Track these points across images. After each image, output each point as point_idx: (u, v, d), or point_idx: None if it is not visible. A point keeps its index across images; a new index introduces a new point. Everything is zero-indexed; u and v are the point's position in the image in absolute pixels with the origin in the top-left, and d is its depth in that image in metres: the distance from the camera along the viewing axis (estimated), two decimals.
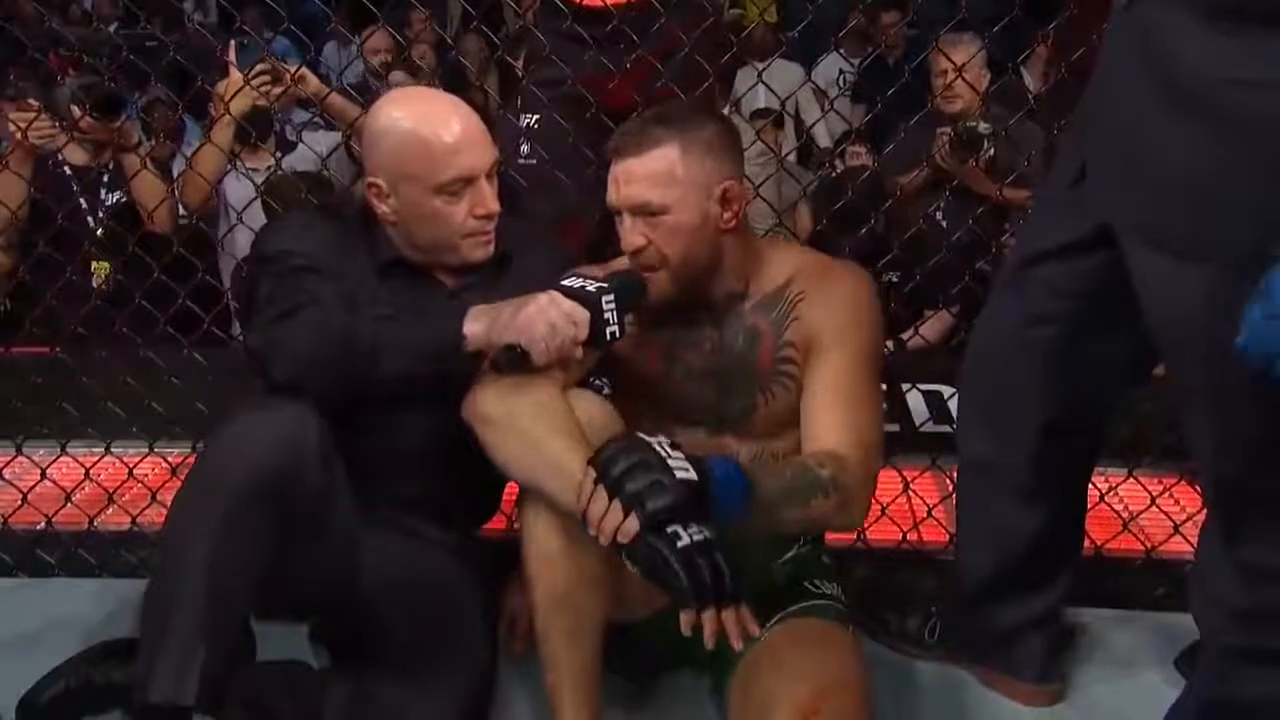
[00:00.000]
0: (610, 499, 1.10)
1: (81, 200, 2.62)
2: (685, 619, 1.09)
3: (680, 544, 1.09)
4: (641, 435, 1.15)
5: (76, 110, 2.37)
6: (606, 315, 1.27)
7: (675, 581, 1.09)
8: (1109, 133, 1.14)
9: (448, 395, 1.33)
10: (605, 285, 1.28)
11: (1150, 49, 1.04)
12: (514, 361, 1.25)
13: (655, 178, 1.32)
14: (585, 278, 1.30)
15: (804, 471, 1.26)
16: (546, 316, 1.25)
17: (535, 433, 1.23)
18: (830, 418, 1.32)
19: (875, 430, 1.34)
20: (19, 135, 2.26)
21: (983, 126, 2.70)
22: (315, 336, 1.31)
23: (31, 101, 2.33)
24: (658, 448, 1.13)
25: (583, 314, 1.26)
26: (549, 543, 1.25)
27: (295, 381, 1.31)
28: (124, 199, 2.66)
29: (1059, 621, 1.51)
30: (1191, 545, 1.74)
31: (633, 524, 1.09)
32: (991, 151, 2.72)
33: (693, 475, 1.12)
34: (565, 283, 1.29)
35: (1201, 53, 0.98)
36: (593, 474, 1.12)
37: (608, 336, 1.28)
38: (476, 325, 1.29)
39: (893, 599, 1.64)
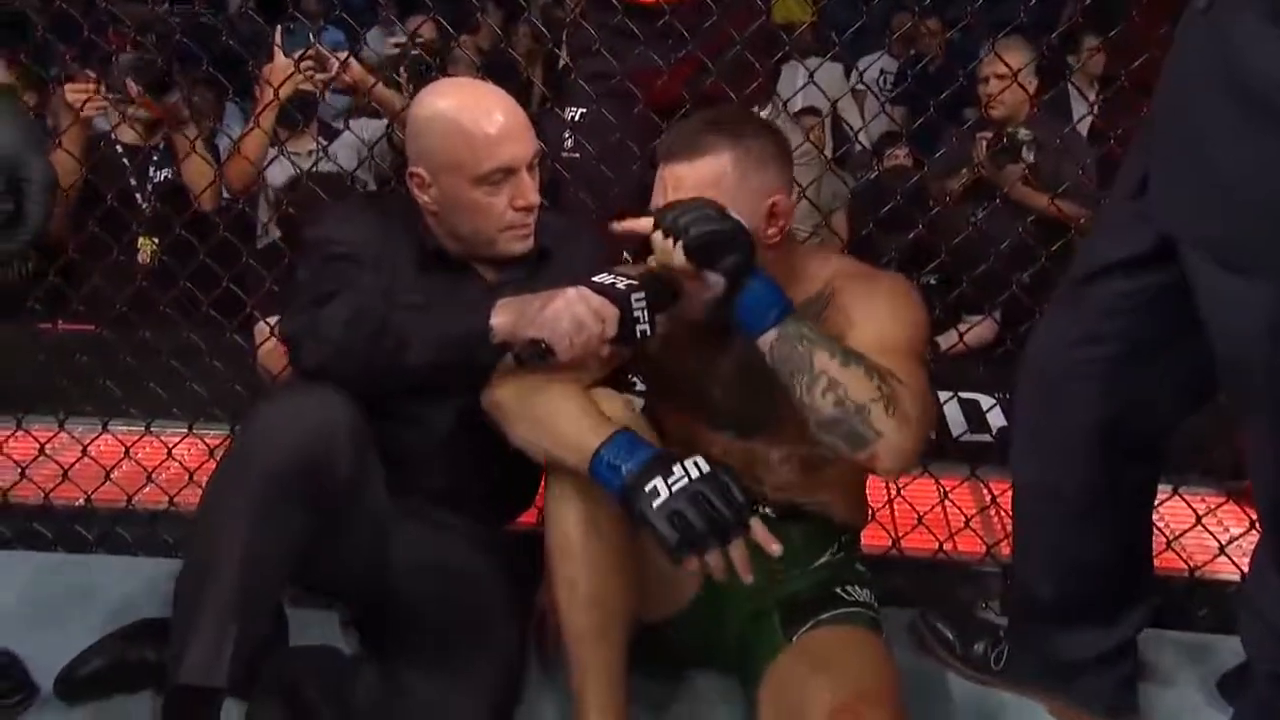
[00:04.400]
0: (666, 236, 1.21)
1: (130, 178, 2.65)
2: (689, 568, 1.12)
3: (657, 502, 1.11)
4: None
5: (131, 85, 2.39)
6: (636, 313, 1.25)
7: (662, 541, 1.11)
8: (1175, 141, 1.10)
9: (479, 387, 1.33)
10: (636, 283, 1.26)
11: (1224, 55, 1.00)
12: (538, 356, 1.24)
13: (705, 185, 1.29)
14: (618, 274, 1.28)
15: (851, 347, 1.22)
16: (573, 312, 1.23)
17: (546, 407, 1.24)
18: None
19: (927, 387, 1.25)
20: (75, 107, 2.29)
21: (1023, 134, 2.66)
22: (345, 323, 1.31)
23: (88, 73, 2.36)
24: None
25: (611, 310, 1.24)
26: (573, 540, 1.25)
27: (324, 367, 1.31)
28: (171, 177, 2.69)
29: (1133, 654, 1.46)
30: (1236, 567, 1.72)
31: (679, 254, 1.19)
32: (1031, 158, 2.67)
33: (741, 221, 1.22)
34: (596, 278, 1.27)
35: (1278, 61, 0.95)
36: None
37: (637, 334, 1.26)
38: (503, 317, 1.28)
39: (951, 619, 1.61)
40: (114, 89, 2.41)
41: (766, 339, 1.22)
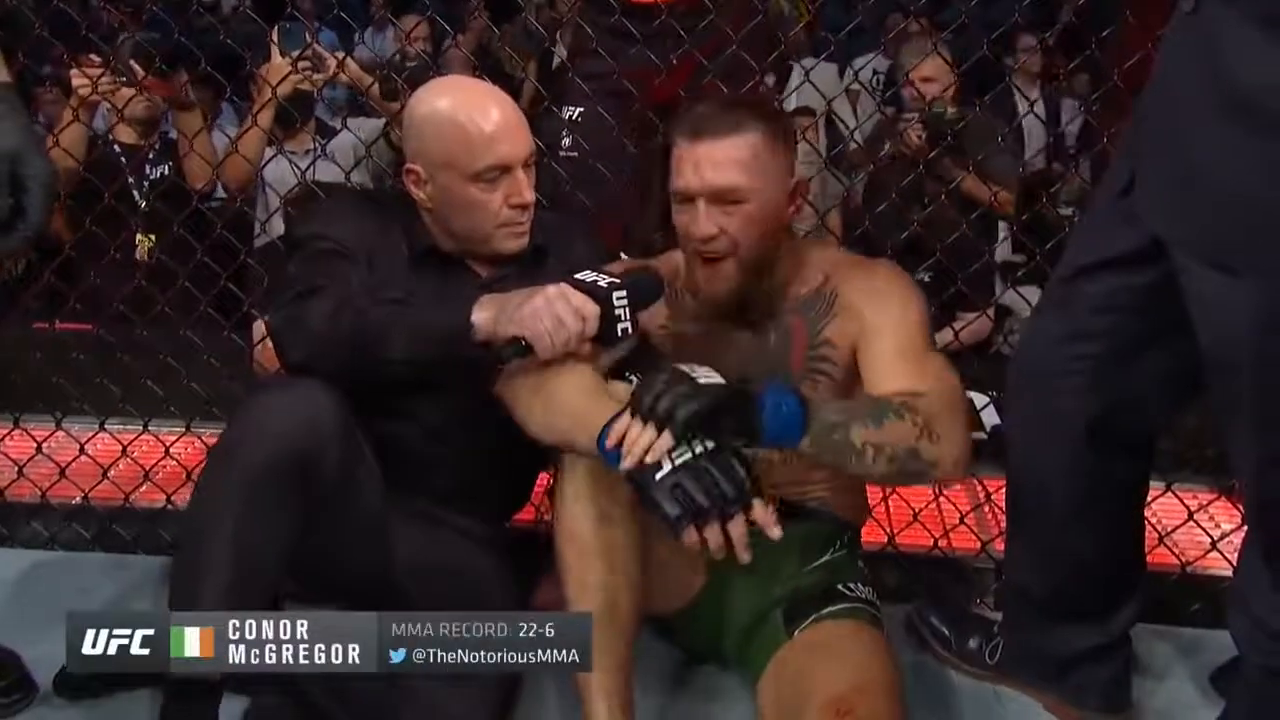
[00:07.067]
0: (646, 423, 1.13)
1: (129, 175, 2.65)
2: (688, 542, 1.11)
3: (660, 474, 1.11)
4: (677, 366, 1.18)
5: (137, 67, 2.37)
6: (617, 312, 1.24)
7: (663, 513, 1.11)
8: (1162, 141, 1.11)
9: (474, 385, 1.33)
10: (618, 281, 1.26)
11: (1211, 59, 1.01)
12: (518, 353, 1.24)
13: (741, 163, 1.30)
14: (600, 273, 1.28)
15: (871, 400, 1.24)
16: (553, 309, 1.22)
17: (556, 387, 1.24)
18: (895, 371, 1.29)
19: (950, 375, 1.30)
20: (83, 91, 2.28)
21: (950, 112, 2.72)
22: (327, 317, 1.31)
23: (93, 57, 2.34)
24: (687, 370, 1.17)
25: (591, 308, 1.24)
26: (584, 531, 1.25)
27: (309, 360, 1.31)
28: (169, 173, 2.69)
29: (1127, 650, 1.46)
30: (1228, 562, 1.73)
31: (665, 440, 1.11)
32: (959, 127, 2.74)
33: (718, 379, 1.16)
34: (578, 276, 1.27)
35: (1263, 64, 0.96)
36: (629, 410, 1.15)
37: (618, 333, 1.25)
38: (483, 314, 1.27)
39: (945, 615, 1.62)
40: (119, 71, 2.37)
41: (802, 447, 1.19)
